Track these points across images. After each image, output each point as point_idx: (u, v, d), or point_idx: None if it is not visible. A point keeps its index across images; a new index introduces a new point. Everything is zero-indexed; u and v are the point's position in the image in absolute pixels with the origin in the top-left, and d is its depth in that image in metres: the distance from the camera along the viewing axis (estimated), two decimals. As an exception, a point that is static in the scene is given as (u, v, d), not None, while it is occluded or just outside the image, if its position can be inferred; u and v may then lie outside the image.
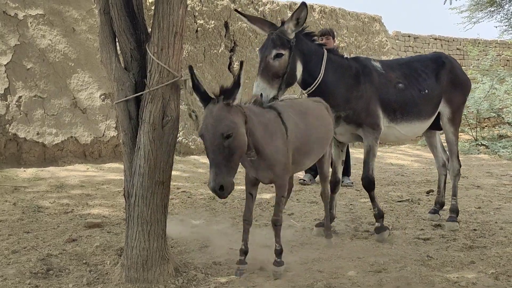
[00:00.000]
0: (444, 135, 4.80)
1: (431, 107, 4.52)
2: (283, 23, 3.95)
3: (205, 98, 2.94)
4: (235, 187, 2.93)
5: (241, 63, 2.92)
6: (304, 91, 4.17)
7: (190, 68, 2.97)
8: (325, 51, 4.13)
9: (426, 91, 4.45)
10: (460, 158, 4.92)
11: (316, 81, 4.04)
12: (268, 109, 3.33)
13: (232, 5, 9.38)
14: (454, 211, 4.68)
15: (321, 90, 4.05)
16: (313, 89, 4.07)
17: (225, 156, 2.78)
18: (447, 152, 4.97)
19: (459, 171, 4.84)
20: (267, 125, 3.17)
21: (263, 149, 3.12)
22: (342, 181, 6.70)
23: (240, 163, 3.05)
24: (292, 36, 3.93)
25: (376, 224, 4.20)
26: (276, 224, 3.35)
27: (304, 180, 6.68)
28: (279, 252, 3.36)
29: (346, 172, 6.87)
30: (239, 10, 4.13)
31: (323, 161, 3.93)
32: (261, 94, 3.76)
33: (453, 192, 4.80)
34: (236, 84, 2.91)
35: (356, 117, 4.12)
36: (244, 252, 3.38)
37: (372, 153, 4.17)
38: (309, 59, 4.03)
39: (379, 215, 4.19)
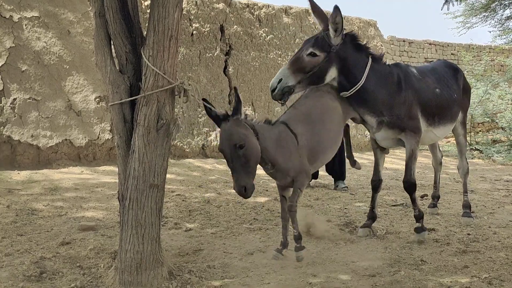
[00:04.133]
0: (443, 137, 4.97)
1: (457, 110, 4.81)
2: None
3: (218, 119, 3.39)
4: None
5: (235, 89, 3.38)
6: (341, 94, 4.16)
7: (204, 100, 3.45)
8: (370, 60, 4.16)
9: (455, 95, 4.72)
10: (454, 162, 5.03)
11: (355, 87, 4.05)
12: (277, 124, 3.70)
13: (228, 8, 9.40)
14: (467, 206, 4.99)
15: (360, 96, 4.10)
16: (349, 94, 4.09)
17: (242, 163, 3.25)
18: (458, 153, 5.31)
19: (468, 169, 5.20)
20: (278, 139, 3.56)
21: (278, 161, 3.54)
22: (337, 185, 6.73)
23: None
24: (335, 42, 3.97)
25: (417, 224, 4.30)
26: (291, 210, 3.63)
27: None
28: (297, 238, 3.65)
29: (341, 176, 6.89)
30: None
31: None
32: (281, 79, 3.86)
33: (464, 189, 5.13)
34: (238, 101, 3.36)
35: (400, 122, 4.19)
36: (283, 244, 3.77)
37: (414, 157, 4.28)
38: (349, 65, 4.06)
39: (420, 216, 4.30)
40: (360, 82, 4.05)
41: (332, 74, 4.02)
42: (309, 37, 4.27)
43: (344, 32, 4.02)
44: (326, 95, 4.02)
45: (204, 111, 8.61)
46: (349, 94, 4.08)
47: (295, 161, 3.60)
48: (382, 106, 4.15)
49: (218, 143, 3.40)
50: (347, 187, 6.78)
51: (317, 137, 3.77)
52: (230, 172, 3.34)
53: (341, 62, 4.02)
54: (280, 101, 3.96)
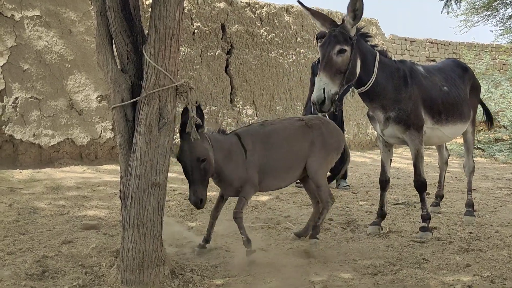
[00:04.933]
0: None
1: (468, 109, 4.81)
2: (343, 21, 3.97)
3: (184, 129, 3.38)
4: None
5: (198, 105, 3.37)
6: (356, 90, 4.19)
7: (198, 107, 3.39)
8: (377, 53, 4.17)
9: (463, 94, 4.73)
10: (456, 161, 5.01)
11: (369, 81, 4.07)
12: (231, 135, 3.80)
13: (229, 7, 9.39)
14: (470, 205, 5.02)
15: (374, 90, 4.11)
16: (366, 89, 4.09)
17: (201, 176, 3.39)
18: (465, 151, 5.36)
19: (473, 168, 5.24)
20: (228, 150, 3.66)
21: (223, 172, 3.64)
22: (339, 184, 6.72)
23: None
24: (353, 32, 3.94)
25: (423, 223, 4.34)
26: (236, 217, 3.67)
27: (301, 184, 6.62)
28: (247, 242, 3.64)
29: (343, 174, 6.87)
30: (301, 2, 4.11)
31: (309, 171, 4.02)
32: (324, 89, 3.77)
33: (469, 188, 5.16)
34: (202, 115, 3.40)
35: (406, 117, 4.19)
36: (206, 239, 3.86)
37: (420, 156, 4.30)
38: (365, 58, 4.05)
39: (427, 217, 4.34)
40: (374, 75, 4.06)
41: (359, 65, 3.98)
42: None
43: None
44: (301, 128, 4.03)
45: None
46: (366, 89, 4.08)
47: (240, 172, 3.68)
48: (390, 100, 4.17)
49: (178, 152, 3.44)
50: (349, 185, 6.77)
51: (269, 159, 3.80)
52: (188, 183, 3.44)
53: (360, 53, 4.00)
54: (329, 112, 3.91)
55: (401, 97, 4.19)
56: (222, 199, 3.91)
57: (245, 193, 3.73)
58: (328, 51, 3.85)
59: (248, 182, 3.71)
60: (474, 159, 10.22)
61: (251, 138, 3.80)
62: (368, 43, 4.20)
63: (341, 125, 6.52)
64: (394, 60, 4.42)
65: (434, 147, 6.74)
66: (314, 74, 6.49)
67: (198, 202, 3.36)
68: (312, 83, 6.42)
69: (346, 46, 3.85)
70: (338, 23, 4.02)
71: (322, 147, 4.01)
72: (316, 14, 4.10)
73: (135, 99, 3.21)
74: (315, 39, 6.53)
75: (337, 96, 3.84)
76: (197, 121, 3.32)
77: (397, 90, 4.20)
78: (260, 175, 3.78)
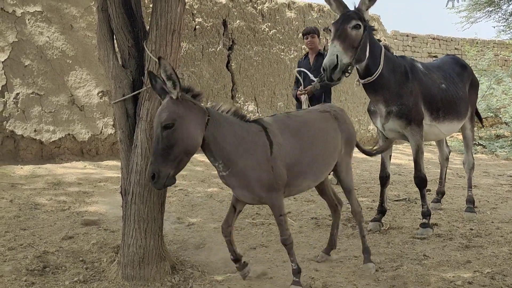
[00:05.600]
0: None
1: (465, 107, 4.83)
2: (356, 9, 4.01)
3: (163, 93, 2.83)
4: None
5: (159, 59, 2.73)
6: (362, 80, 4.18)
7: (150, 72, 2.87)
8: (383, 47, 4.19)
9: (461, 92, 4.74)
10: (458, 158, 5.00)
11: (376, 72, 4.08)
12: (252, 123, 3.07)
13: (231, 3, 9.37)
14: (471, 201, 5.02)
15: (379, 82, 4.12)
16: (373, 79, 4.10)
17: (164, 147, 2.70)
18: (464, 147, 5.35)
19: (473, 164, 5.24)
20: (244, 138, 2.94)
21: (234, 163, 2.91)
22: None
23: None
24: (367, 16, 3.99)
25: (423, 220, 4.36)
26: (286, 244, 3.08)
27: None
28: (296, 272, 3.10)
29: None
30: None
31: (340, 170, 3.47)
32: (337, 56, 3.76)
33: (469, 184, 5.17)
34: (177, 78, 2.76)
35: (407, 112, 4.21)
36: (237, 261, 3.26)
37: (420, 151, 4.32)
38: (373, 48, 4.08)
39: (427, 213, 4.36)
40: (380, 66, 4.08)
41: (367, 51, 4.00)
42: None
43: None
44: (330, 120, 3.40)
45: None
46: (372, 79, 4.09)
47: (262, 172, 2.93)
48: (393, 94, 4.18)
49: None
50: None
51: (299, 157, 3.13)
52: None
53: (370, 42, 4.03)
54: (337, 81, 3.91)
55: (403, 91, 4.21)
56: (234, 210, 3.22)
57: (278, 209, 3.02)
58: (344, 24, 3.86)
59: (275, 186, 2.97)
60: (475, 155, 10.25)
61: (281, 130, 3.10)
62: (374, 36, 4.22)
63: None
64: (396, 56, 4.44)
65: (434, 143, 6.76)
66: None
67: (150, 175, 2.68)
68: (297, 79, 6.39)
69: (361, 23, 3.91)
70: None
71: (348, 142, 3.48)
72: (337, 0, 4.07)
73: (136, 92, 3.21)
74: (302, 35, 6.51)
75: (349, 68, 3.82)
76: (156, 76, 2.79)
77: (399, 85, 4.22)
78: (288, 175, 3.05)
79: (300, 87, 6.13)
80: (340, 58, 3.77)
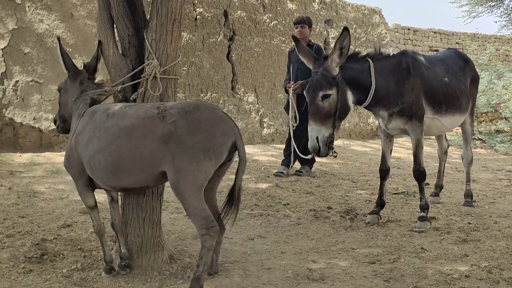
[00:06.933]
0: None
1: (467, 101, 4.83)
2: (326, 58, 3.93)
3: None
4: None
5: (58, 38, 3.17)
6: (360, 106, 4.21)
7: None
8: (370, 62, 4.13)
9: (463, 86, 4.75)
10: (457, 152, 5.00)
11: (369, 96, 4.08)
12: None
13: (232, -7, 9.31)
14: (469, 195, 5.04)
15: (375, 98, 4.12)
16: (368, 102, 4.11)
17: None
18: (463, 141, 5.39)
19: (472, 159, 5.25)
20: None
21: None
22: (301, 172, 6.50)
23: None
24: (336, 71, 3.90)
25: (421, 213, 4.37)
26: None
27: (301, 172, 6.54)
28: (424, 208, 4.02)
29: (307, 161, 6.66)
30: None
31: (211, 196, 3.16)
32: (317, 138, 3.82)
33: (467, 179, 5.16)
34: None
35: (409, 109, 4.22)
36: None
37: (420, 146, 4.34)
38: (357, 79, 4.04)
39: (425, 207, 4.37)
40: (372, 87, 4.06)
41: (350, 97, 4.00)
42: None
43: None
44: (147, 119, 2.79)
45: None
46: (367, 103, 4.11)
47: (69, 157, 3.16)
48: (393, 96, 4.18)
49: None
50: (302, 172, 6.50)
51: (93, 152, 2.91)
52: None
53: (350, 82, 3.99)
54: (331, 155, 3.94)
55: (403, 90, 4.21)
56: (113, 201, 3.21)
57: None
58: (313, 97, 3.86)
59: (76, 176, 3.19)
60: (475, 150, 10.25)
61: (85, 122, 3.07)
62: (359, 55, 4.18)
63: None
64: (393, 54, 4.44)
65: (433, 137, 6.75)
66: (290, 61, 6.57)
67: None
68: (288, 69, 6.56)
69: (330, 90, 3.85)
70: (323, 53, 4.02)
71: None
72: (302, 49, 4.09)
73: (135, 82, 3.19)
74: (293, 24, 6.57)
75: (333, 136, 3.89)
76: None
77: (399, 85, 4.21)
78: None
79: (291, 81, 6.22)
80: (320, 138, 3.83)
